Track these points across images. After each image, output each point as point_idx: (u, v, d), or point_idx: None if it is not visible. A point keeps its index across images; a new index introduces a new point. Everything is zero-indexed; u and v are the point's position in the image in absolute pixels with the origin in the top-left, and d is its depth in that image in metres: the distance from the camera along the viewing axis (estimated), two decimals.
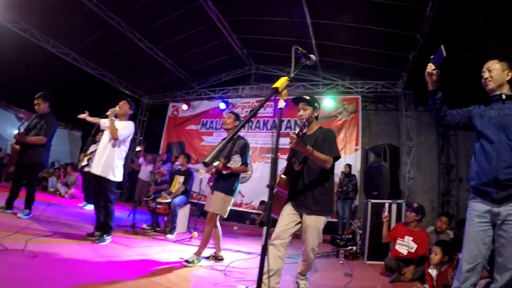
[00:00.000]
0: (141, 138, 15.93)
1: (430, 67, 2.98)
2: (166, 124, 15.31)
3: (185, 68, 13.76)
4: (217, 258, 5.29)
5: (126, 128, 5.45)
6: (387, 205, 6.62)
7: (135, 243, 5.78)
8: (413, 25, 8.14)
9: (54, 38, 11.51)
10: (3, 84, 11.50)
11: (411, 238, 5.63)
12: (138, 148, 14.68)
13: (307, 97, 3.86)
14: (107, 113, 5.36)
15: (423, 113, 11.17)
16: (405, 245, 5.65)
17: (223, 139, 5.41)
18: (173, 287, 3.68)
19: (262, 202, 11.46)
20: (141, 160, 13.30)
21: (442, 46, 2.82)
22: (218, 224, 5.18)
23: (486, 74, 2.99)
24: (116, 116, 5.43)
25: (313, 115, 3.86)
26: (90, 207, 8.88)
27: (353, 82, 11.69)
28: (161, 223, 7.68)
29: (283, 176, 3.64)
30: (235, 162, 5.10)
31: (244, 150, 5.15)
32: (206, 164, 1.98)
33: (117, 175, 5.41)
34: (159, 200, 7.23)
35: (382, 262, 5.94)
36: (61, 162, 14.68)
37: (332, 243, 8.28)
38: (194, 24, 10.79)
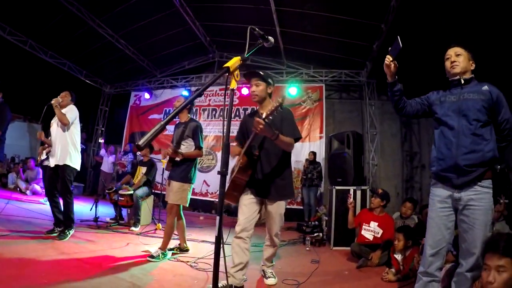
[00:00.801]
0: (103, 129, 15.40)
1: (388, 59, 2.98)
2: (129, 113, 14.82)
3: (147, 56, 13.37)
4: (182, 249, 5.17)
5: (70, 111, 5.38)
6: (352, 190, 6.70)
7: (98, 238, 5.66)
8: (378, 15, 8.15)
9: (10, 24, 10.93)
10: None
11: (376, 224, 5.72)
12: (100, 140, 14.31)
13: (261, 72, 3.65)
14: (52, 102, 5.21)
15: (387, 102, 11.31)
16: (370, 231, 5.73)
17: (176, 124, 5.22)
18: (137, 281, 3.60)
19: None
20: (102, 151, 13.01)
21: (398, 37, 2.82)
22: (182, 215, 5.02)
23: (453, 58, 2.97)
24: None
25: (267, 92, 3.68)
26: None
27: (317, 71, 11.73)
28: (124, 216, 7.54)
29: (241, 162, 3.45)
30: (189, 147, 4.89)
31: (196, 132, 4.90)
32: (139, 148, 1.90)
33: (74, 162, 5.28)
34: (121, 192, 7.07)
35: (349, 248, 6.00)
36: (22, 157, 14.14)
37: (298, 230, 8.37)
38: (156, 10, 10.43)
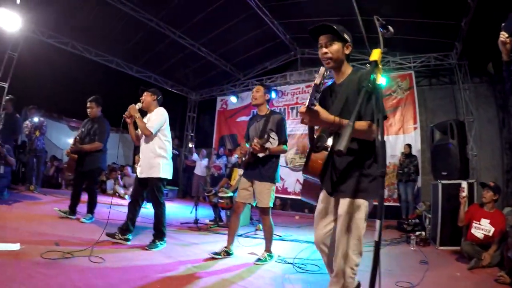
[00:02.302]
0: (192, 134, 16.26)
1: (503, 35, 2.70)
2: (216, 118, 15.44)
3: (229, 61, 13.74)
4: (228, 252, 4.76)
5: (155, 120, 4.93)
6: (465, 184, 6.06)
7: (200, 240, 5.79)
8: None
9: (95, 47, 11.93)
10: (53, 97, 11.95)
11: (487, 221, 5.24)
12: (190, 145, 14.86)
13: (334, 26, 2.53)
14: (126, 114, 4.85)
15: (480, 84, 10.45)
16: (481, 229, 5.27)
17: (250, 117, 4.75)
18: (249, 285, 3.55)
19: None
20: (195, 155, 13.45)
21: None
22: (239, 219, 4.74)
23: None
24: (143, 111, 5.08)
25: (344, 52, 2.60)
26: (151, 206, 9.05)
27: (404, 57, 11.15)
28: (223, 217, 7.69)
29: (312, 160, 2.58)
30: (272, 142, 4.39)
31: (281, 126, 4.46)
32: (341, 153, 1.72)
33: (163, 172, 4.86)
34: (220, 194, 7.19)
35: (455, 248, 5.66)
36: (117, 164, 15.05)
37: (398, 228, 8.02)
38: (233, 15, 10.71)
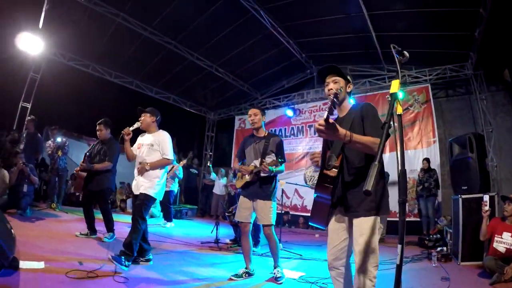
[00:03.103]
0: (211, 153, 16.46)
1: None
2: (235, 137, 15.56)
3: (247, 80, 13.96)
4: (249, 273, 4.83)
5: (165, 147, 5.01)
6: (487, 197, 5.88)
7: (222, 260, 5.79)
8: None
9: (115, 69, 12.30)
10: (73, 117, 12.10)
11: (509, 234, 5.16)
12: (209, 164, 14.96)
13: (339, 68, 2.92)
14: (123, 131, 4.96)
15: (497, 93, 10.23)
16: (503, 243, 5.18)
17: (245, 137, 4.85)
18: None
19: None
20: (213, 175, 13.52)
21: None
22: (250, 238, 4.74)
23: None
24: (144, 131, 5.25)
25: (346, 90, 2.95)
26: (171, 225, 9.31)
27: (420, 70, 11.08)
28: None
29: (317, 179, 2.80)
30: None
31: (281, 148, 4.70)
32: (368, 193, 1.81)
33: (153, 191, 4.82)
34: None
35: (477, 263, 5.57)
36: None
37: (419, 244, 7.85)
38: (249, 36, 10.95)
